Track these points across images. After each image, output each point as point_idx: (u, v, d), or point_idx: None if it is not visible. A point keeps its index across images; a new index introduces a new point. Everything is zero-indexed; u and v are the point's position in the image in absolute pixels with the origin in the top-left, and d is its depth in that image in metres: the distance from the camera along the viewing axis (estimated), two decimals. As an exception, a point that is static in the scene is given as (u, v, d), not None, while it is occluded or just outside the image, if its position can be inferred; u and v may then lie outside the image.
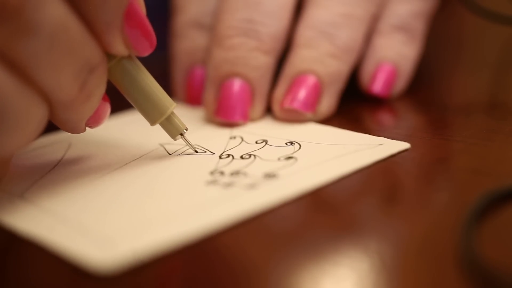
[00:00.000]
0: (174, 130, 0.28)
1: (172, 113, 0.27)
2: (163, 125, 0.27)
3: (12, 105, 0.21)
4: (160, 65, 0.37)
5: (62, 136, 0.32)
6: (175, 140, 0.28)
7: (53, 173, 0.27)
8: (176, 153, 0.29)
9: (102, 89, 0.24)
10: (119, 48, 0.24)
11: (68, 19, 0.22)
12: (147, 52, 0.25)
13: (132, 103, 0.27)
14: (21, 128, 0.22)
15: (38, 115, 0.22)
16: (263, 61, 0.32)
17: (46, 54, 0.21)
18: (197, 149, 0.29)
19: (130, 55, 0.26)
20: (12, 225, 0.23)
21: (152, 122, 0.27)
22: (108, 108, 0.27)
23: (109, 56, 0.25)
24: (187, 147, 0.29)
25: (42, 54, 0.21)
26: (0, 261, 0.22)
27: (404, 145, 0.28)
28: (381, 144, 0.28)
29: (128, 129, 0.33)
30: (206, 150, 0.29)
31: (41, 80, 0.22)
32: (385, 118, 0.35)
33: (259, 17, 0.33)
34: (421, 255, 0.20)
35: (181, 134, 0.28)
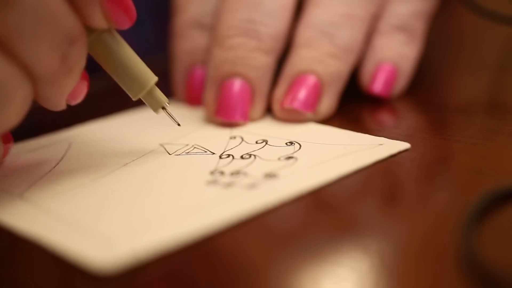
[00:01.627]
0: (155, 103, 0.28)
1: (154, 86, 0.27)
2: (145, 99, 0.27)
3: None
4: (160, 65, 0.37)
5: (62, 136, 0.32)
6: (157, 113, 0.28)
7: (53, 173, 0.27)
8: (176, 153, 0.29)
9: (82, 62, 0.25)
10: (98, 21, 0.25)
11: None
12: (126, 25, 0.26)
13: (113, 77, 0.27)
14: (6, 105, 0.22)
15: (22, 91, 0.23)
16: (263, 61, 0.32)
17: (27, 26, 0.22)
18: (179, 123, 0.29)
19: (110, 29, 0.26)
20: (12, 225, 0.23)
21: (134, 96, 0.27)
22: (87, 83, 0.27)
23: (89, 30, 0.25)
24: (187, 147, 0.29)
25: (24, 26, 0.22)
26: (0, 261, 0.22)
27: (404, 145, 0.28)
28: (381, 144, 0.28)
29: (128, 129, 0.33)
30: (206, 150, 0.29)
31: (23, 52, 0.22)
32: (385, 118, 0.35)
33: (259, 17, 0.32)
34: (421, 255, 0.20)
35: (163, 108, 0.28)
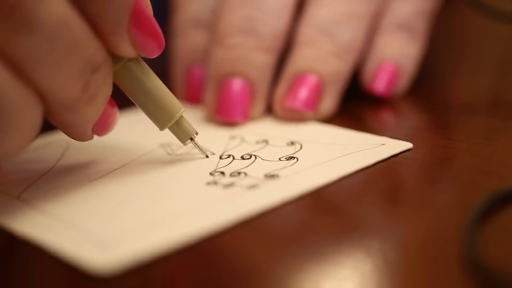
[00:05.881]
0: (183, 134, 0.27)
1: (181, 117, 0.26)
2: (172, 130, 0.27)
3: (8, 104, 0.20)
4: (160, 63, 0.37)
5: (60, 136, 0.32)
6: (185, 145, 0.27)
7: (51, 174, 0.27)
8: (176, 153, 0.29)
9: (107, 91, 0.24)
10: (126, 49, 0.24)
11: (69, 16, 0.21)
12: (155, 53, 0.25)
13: (140, 108, 0.26)
14: (16, 129, 0.21)
15: (34, 115, 0.22)
16: (264, 60, 0.32)
17: (46, 52, 0.21)
18: (208, 154, 0.28)
19: (137, 57, 0.25)
20: (10, 226, 0.23)
21: (161, 127, 0.26)
22: (116, 113, 0.26)
23: (115, 58, 0.24)
24: (187, 147, 0.29)
25: (42, 52, 0.21)
26: (-2, 262, 0.22)
27: (407, 145, 0.28)
28: (383, 144, 0.28)
29: (127, 129, 0.32)
30: (206, 150, 0.29)
31: (41, 79, 0.21)
32: (387, 117, 0.35)
33: (260, 15, 0.32)
34: (424, 256, 0.20)
35: (191, 139, 0.27)
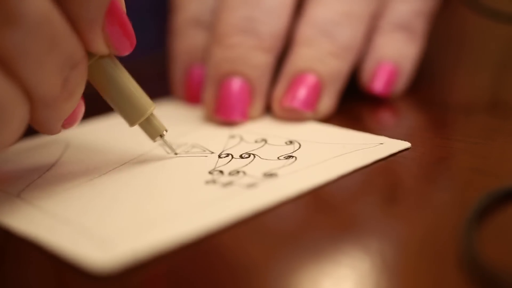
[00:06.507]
0: (153, 131, 0.27)
1: (152, 114, 0.27)
2: (142, 126, 0.27)
3: None
4: (159, 63, 0.37)
5: (59, 135, 0.32)
6: (154, 141, 0.28)
7: (51, 173, 0.27)
8: (174, 152, 0.29)
9: (82, 87, 0.24)
10: (99, 46, 0.24)
11: (52, 12, 0.22)
12: (127, 51, 0.25)
13: (110, 104, 0.26)
14: (5, 125, 0.22)
15: (20, 112, 0.22)
16: (263, 60, 0.32)
17: (29, 46, 0.21)
18: (176, 152, 0.28)
19: (110, 54, 0.25)
20: (9, 225, 0.23)
21: (131, 123, 0.27)
22: (83, 108, 0.26)
23: (88, 54, 0.24)
24: (186, 146, 0.29)
25: (25, 46, 0.21)
26: (-3, 261, 0.22)
27: (405, 144, 0.28)
28: (381, 143, 0.28)
29: (126, 128, 0.32)
30: (205, 149, 0.29)
31: (24, 74, 0.22)
32: (386, 117, 0.35)
33: (259, 15, 0.32)
34: (422, 255, 0.20)
35: (161, 136, 0.27)
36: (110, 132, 0.28)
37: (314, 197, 0.24)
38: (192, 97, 0.36)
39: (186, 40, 0.36)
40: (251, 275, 0.19)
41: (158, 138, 0.27)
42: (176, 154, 0.28)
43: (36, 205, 0.24)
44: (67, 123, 0.26)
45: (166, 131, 0.27)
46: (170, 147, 0.28)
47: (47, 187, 0.26)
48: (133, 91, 0.26)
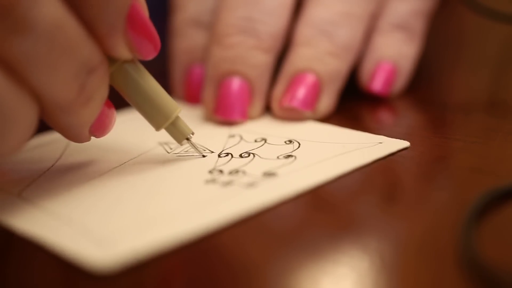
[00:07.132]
0: (179, 134, 0.27)
1: (177, 117, 0.27)
2: (168, 130, 0.27)
3: (3, 105, 0.20)
4: (158, 63, 0.37)
5: (60, 135, 0.32)
6: (181, 145, 0.28)
7: (52, 173, 0.27)
8: (174, 151, 0.29)
9: (103, 92, 0.24)
10: (122, 51, 0.24)
11: (64, 18, 0.21)
12: (151, 55, 0.25)
13: (135, 108, 0.26)
14: (11, 130, 0.21)
15: (29, 117, 0.22)
16: (262, 60, 0.32)
17: (41, 54, 0.21)
18: (204, 154, 0.28)
19: (133, 59, 0.25)
20: (10, 224, 0.23)
21: (157, 127, 0.26)
22: (113, 114, 0.26)
23: (111, 60, 0.24)
24: (186, 146, 0.29)
25: (37, 54, 0.21)
26: (-2, 260, 0.22)
27: (404, 144, 0.28)
28: (380, 143, 0.28)
29: (126, 127, 0.32)
30: (205, 149, 0.29)
31: (35, 80, 0.21)
32: (385, 116, 0.35)
33: (259, 15, 0.32)
34: (420, 254, 0.20)
35: (187, 139, 0.27)
36: (111, 132, 0.28)
37: (313, 196, 0.24)
38: (192, 97, 0.36)
39: (186, 40, 0.36)
40: (251, 274, 0.19)
41: (185, 141, 0.27)
42: (204, 156, 0.28)
43: (37, 204, 0.24)
44: (95, 130, 0.25)
45: (193, 133, 0.27)
46: (198, 150, 0.28)
47: (47, 187, 0.26)
48: (158, 95, 0.26)
